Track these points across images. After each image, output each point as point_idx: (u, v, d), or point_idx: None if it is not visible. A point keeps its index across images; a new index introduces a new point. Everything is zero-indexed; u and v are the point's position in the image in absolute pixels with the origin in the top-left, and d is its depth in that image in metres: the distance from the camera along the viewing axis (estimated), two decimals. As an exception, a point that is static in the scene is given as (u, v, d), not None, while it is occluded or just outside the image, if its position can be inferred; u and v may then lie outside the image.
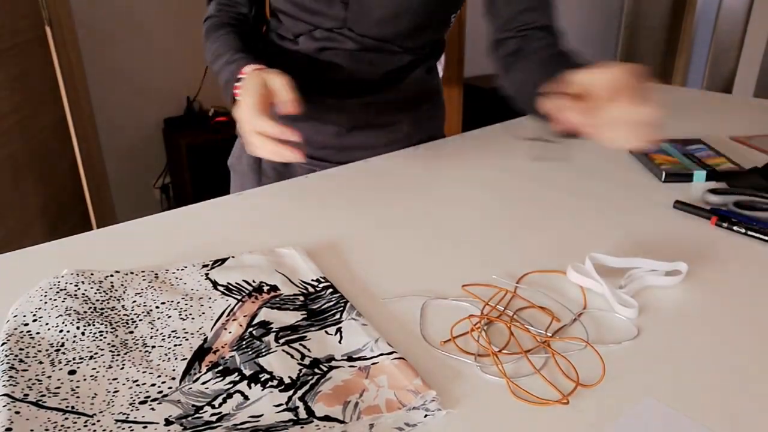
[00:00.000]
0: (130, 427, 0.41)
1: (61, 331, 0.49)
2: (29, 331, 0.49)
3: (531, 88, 0.72)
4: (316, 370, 0.46)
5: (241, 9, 0.97)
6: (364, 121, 0.96)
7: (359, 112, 0.95)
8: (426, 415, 0.43)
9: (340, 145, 0.96)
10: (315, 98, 0.90)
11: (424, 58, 0.97)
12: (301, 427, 0.41)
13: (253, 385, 0.45)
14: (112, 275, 0.57)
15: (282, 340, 0.50)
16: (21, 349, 0.47)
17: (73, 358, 0.47)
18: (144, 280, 0.58)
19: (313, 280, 0.59)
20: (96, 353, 0.48)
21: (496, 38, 0.86)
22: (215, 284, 0.58)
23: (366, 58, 0.91)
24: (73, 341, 0.49)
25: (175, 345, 0.50)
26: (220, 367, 0.47)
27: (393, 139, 0.98)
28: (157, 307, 0.54)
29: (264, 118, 0.68)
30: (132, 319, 0.52)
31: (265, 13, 1.01)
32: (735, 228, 0.69)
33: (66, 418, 0.41)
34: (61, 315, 0.50)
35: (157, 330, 0.51)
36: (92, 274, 0.57)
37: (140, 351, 0.49)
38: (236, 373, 0.46)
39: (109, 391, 0.44)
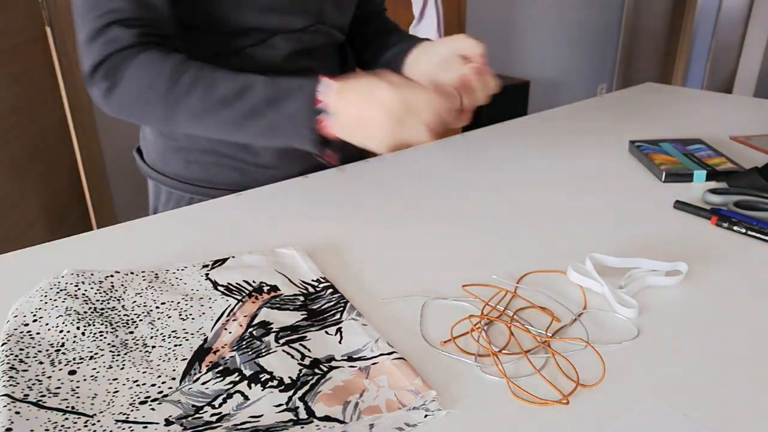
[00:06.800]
0: (130, 427, 0.41)
1: (61, 331, 0.49)
2: (29, 332, 0.49)
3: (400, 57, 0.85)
4: (316, 371, 0.46)
5: (165, 28, 0.69)
6: None
7: None
8: (426, 415, 0.43)
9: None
10: None
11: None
12: (301, 428, 0.41)
13: (253, 385, 0.45)
14: (112, 275, 0.57)
15: (282, 341, 0.50)
16: (21, 350, 0.47)
17: (73, 359, 0.47)
18: (144, 280, 0.58)
19: (313, 280, 0.59)
20: (96, 353, 0.48)
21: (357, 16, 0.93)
22: (215, 284, 0.58)
23: (330, 54, 0.85)
24: (74, 341, 0.49)
25: (176, 345, 0.50)
26: (221, 368, 0.47)
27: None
28: (158, 308, 0.54)
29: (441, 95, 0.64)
30: (132, 319, 0.52)
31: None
32: (735, 228, 0.69)
33: (66, 419, 0.41)
34: (61, 315, 0.50)
35: (158, 330, 0.51)
36: (92, 274, 0.57)
37: (140, 351, 0.49)
38: (236, 374, 0.46)
39: (109, 392, 0.44)
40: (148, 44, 0.66)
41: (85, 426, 0.41)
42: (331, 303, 0.55)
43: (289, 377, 0.46)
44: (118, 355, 0.48)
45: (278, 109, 0.63)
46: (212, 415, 0.42)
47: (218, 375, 0.46)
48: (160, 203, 0.88)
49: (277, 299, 0.56)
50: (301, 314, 0.53)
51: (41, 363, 0.46)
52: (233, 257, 0.62)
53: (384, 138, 0.62)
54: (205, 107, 0.64)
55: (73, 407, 0.42)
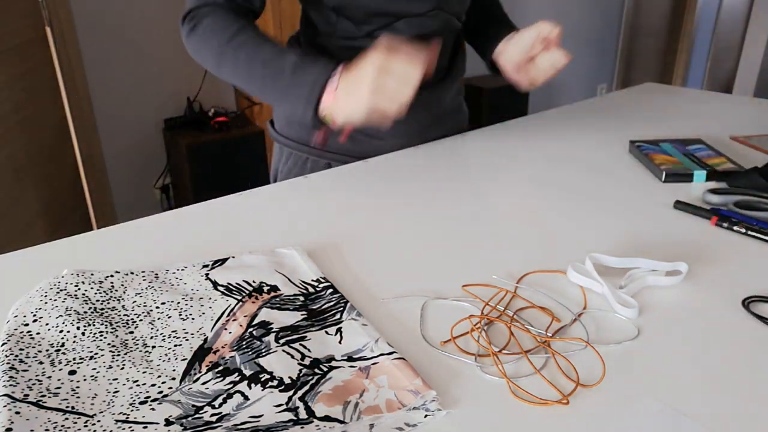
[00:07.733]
0: (130, 427, 0.41)
1: (61, 331, 0.49)
2: (29, 332, 0.49)
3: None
4: (316, 371, 0.46)
5: (255, 4, 0.85)
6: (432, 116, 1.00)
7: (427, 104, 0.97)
8: (426, 415, 0.43)
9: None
10: None
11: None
12: (301, 428, 0.41)
13: (253, 385, 0.45)
14: (112, 275, 0.57)
15: (282, 341, 0.50)
16: (21, 350, 0.47)
17: (74, 359, 0.47)
18: (144, 280, 0.58)
19: (313, 280, 0.59)
20: (96, 353, 0.48)
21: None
22: (215, 284, 0.58)
23: (446, 40, 0.93)
24: (74, 341, 0.49)
25: (176, 345, 0.50)
26: (221, 368, 0.47)
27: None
28: (158, 308, 0.54)
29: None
30: (132, 319, 0.52)
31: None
32: (735, 228, 0.69)
33: (66, 419, 0.41)
34: (61, 315, 0.50)
35: (158, 330, 0.51)
36: (92, 274, 0.57)
37: (140, 351, 0.49)
38: (236, 374, 0.46)
39: (109, 392, 0.44)
40: (230, 7, 0.82)
41: (85, 426, 0.41)
42: (331, 303, 0.55)
43: (289, 377, 0.46)
44: (118, 355, 0.48)
45: (295, 78, 0.75)
46: (212, 415, 0.42)
47: (218, 375, 0.46)
48: (281, 163, 1.03)
49: (277, 299, 0.56)
50: (301, 314, 0.54)
51: (41, 363, 0.46)
52: (233, 257, 0.62)
53: (365, 96, 0.70)
54: (238, 61, 0.78)
55: (73, 407, 0.42)
